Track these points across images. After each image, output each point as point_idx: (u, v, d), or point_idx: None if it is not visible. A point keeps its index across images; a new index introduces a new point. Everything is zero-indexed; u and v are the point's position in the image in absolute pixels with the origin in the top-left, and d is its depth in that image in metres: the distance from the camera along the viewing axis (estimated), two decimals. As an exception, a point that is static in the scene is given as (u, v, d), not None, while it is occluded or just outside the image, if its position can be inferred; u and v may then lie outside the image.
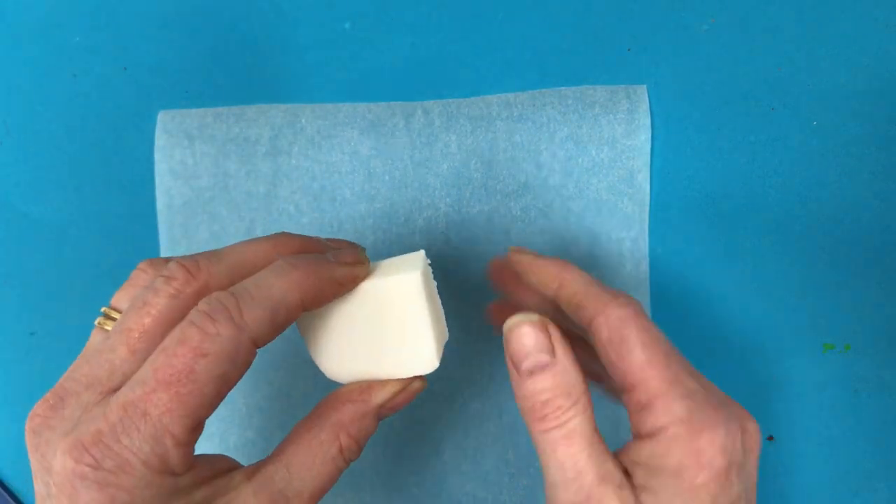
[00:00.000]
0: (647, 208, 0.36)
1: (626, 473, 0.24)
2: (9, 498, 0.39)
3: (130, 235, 0.39)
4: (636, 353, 0.24)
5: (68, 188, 0.39)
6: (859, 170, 0.36)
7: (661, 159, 0.36)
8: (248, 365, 0.23)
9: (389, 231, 0.37)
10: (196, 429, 0.22)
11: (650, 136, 0.35)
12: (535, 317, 0.25)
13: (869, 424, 0.36)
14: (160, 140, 0.37)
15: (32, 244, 0.39)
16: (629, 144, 0.35)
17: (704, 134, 0.36)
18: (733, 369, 0.37)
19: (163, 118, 0.38)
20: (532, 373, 0.25)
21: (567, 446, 0.24)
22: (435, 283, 0.27)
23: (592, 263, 0.36)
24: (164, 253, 0.38)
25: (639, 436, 0.24)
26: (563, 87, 0.36)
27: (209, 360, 0.21)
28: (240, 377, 0.23)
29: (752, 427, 0.24)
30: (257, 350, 0.23)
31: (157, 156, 0.37)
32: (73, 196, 0.39)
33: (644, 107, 0.35)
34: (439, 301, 0.28)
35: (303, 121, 0.37)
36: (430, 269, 0.27)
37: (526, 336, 0.25)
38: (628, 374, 0.24)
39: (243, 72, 0.38)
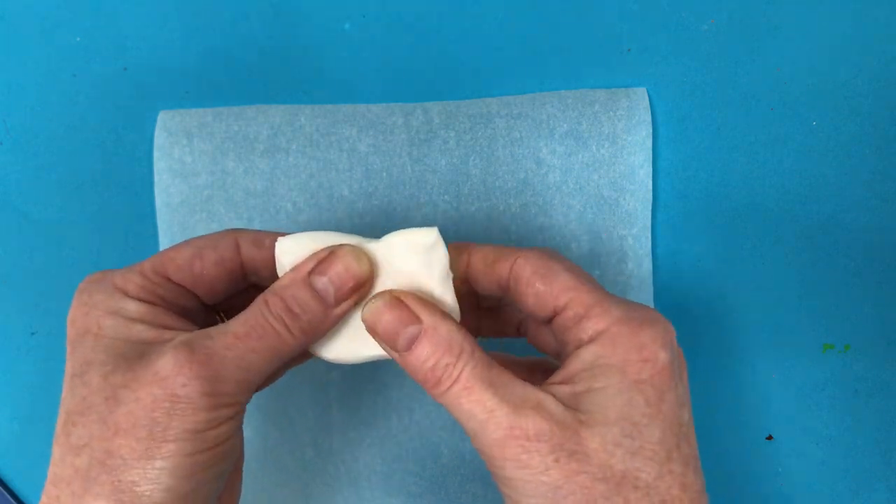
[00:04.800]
0: (650, 204, 0.35)
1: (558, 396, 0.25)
2: (9, 498, 0.39)
3: (130, 235, 0.39)
4: (563, 276, 0.26)
5: (68, 188, 0.39)
6: (859, 170, 0.35)
7: (660, 159, 0.36)
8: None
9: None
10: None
11: (651, 132, 0.35)
12: (385, 295, 0.26)
13: (868, 424, 0.36)
14: (159, 139, 0.37)
15: (32, 244, 0.39)
16: (630, 140, 0.35)
17: (704, 134, 0.36)
18: (733, 369, 0.37)
19: (163, 118, 0.38)
20: (409, 347, 0.25)
21: (469, 395, 0.24)
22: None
23: (594, 261, 0.36)
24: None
25: (580, 345, 0.25)
26: (562, 91, 0.36)
27: None
28: None
29: (674, 332, 0.25)
30: None
31: (157, 154, 0.37)
32: (73, 196, 0.39)
33: (644, 104, 0.35)
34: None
35: (302, 119, 0.37)
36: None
37: (385, 316, 0.26)
38: (560, 296, 0.25)
39: (243, 72, 0.38)
